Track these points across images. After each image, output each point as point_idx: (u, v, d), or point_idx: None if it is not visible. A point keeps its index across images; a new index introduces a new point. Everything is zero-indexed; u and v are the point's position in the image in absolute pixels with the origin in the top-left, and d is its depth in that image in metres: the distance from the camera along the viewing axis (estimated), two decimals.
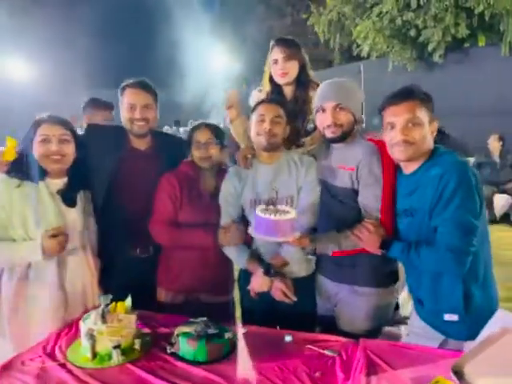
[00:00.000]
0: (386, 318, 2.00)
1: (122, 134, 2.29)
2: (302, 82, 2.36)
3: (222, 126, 2.33)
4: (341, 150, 1.94)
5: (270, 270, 1.99)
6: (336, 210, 1.93)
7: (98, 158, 2.15)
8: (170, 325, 1.91)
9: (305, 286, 2.08)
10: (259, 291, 2.03)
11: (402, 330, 2.49)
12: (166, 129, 9.93)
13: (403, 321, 2.50)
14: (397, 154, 1.69)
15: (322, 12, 11.25)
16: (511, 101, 9.18)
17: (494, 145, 7.02)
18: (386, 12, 9.58)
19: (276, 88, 2.40)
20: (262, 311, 2.07)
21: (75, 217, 2.01)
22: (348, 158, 1.90)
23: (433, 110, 1.69)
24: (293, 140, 2.21)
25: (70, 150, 1.99)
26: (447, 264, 1.58)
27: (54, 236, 1.85)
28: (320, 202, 2.00)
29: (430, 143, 1.69)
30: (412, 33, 9.59)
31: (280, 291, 1.97)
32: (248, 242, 2.13)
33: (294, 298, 1.97)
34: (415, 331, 1.80)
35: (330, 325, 2.02)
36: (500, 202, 6.80)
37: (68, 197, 1.97)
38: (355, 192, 1.88)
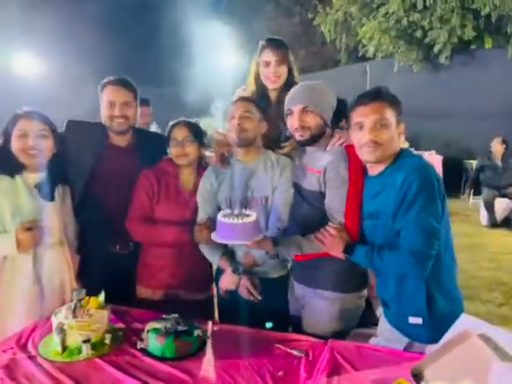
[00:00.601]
0: (352, 322, 2.00)
1: (102, 130, 2.31)
2: (288, 85, 2.33)
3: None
4: (312, 152, 1.95)
5: (238, 269, 2.02)
6: (304, 213, 1.94)
7: (78, 153, 2.18)
8: (145, 320, 1.92)
9: (277, 287, 2.12)
10: (227, 289, 2.07)
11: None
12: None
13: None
14: (365, 154, 1.69)
15: (328, 12, 11.22)
16: None
17: (496, 148, 6.96)
18: (392, 12, 9.54)
19: (261, 89, 2.39)
20: (236, 309, 2.07)
21: (52, 211, 2.03)
22: (317, 161, 1.90)
23: (400, 112, 1.69)
24: (275, 142, 2.21)
25: (48, 145, 2.01)
26: (409, 267, 1.58)
27: (28, 229, 1.88)
28: (294, 206, 2.00)
29: (396, 145, 1.69)
30: (418, 34, 9.54)
31: (246, 289, 2.01)
32: None
33: (259, 297, 2.00)
34: (383, 333, 1.80)
35: (300, 326, 2.03)
36: (501, 206, 6.75)
37: (45, 191, 2.00)
38: (322, 195, 1.88)
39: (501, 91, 8.88)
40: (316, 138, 1.90)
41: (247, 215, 1.78)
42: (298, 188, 1.98)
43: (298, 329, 2.00)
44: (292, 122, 1.91)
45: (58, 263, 2.07)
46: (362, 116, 1.67)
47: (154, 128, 5.56)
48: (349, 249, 1.73)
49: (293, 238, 1.90)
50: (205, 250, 2.15)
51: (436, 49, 9.50)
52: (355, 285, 1.96)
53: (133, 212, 2.22)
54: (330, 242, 1.75)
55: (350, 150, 1.83)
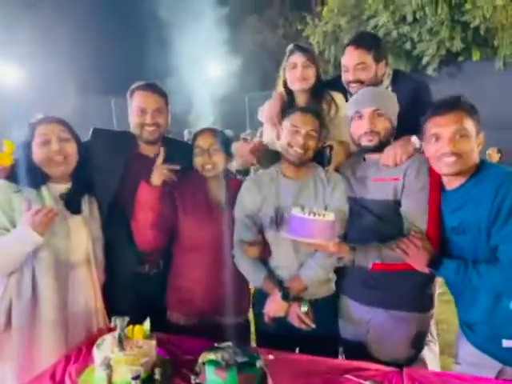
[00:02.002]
0: (423, 345, 1.86)
1: (130, 139, 2.14)
2: (317, 92, 2.24)
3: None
4: (378, 162, 1.81)
5: (288, 295, 1.84)
6: (373, 226, 1.79)
7: (104, 163, 2.00)
8: (189, 349, 1.75)
9: (324, 308, 1.95)
10: (275, 316, 1.89)
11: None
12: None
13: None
14: (444, 167, 1.57)
15: (317, 24, 11.24)
16: (505, 116, 9.26)
17: (493, 156, 7.01)
18: (382, 25, 9.61)
19: (289, 96, 2.28)
20: (278, 333, 1.92)
21: (80, 225, 1.85)
22: (390, 169, 1.77)
23: (479, 121, 1.58)
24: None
25: (72, 149, 1.85)
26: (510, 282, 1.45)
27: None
28: (354, 219, 1.86)
29: (476, 157, 1.58)
30: (407, 46, 9.63)
31: (298, 317, 1.84)
32: (265, 259, 1.99)
33: (313, 325, 1.83)
34: (467, 359, 1.65)
35: (358, 351, 1.87)
36: None
37: (72, 202, 1.81)
38: (397, 203, 1.74)
39: (488, 103, 8.98)
40: (383, 145, 1.78)
41: (325, 213, 1.61)
42: (359, 202, 1.84)
43: (354, 355, 1.82)
44: (360, 126, 1.78)
45: (84, 285, 1.86)
46: (440, 126, 1.55)
47: (186, 135, 5.39)
48: (434, 263, 1.58)
49: (371, 244, 1.74)
50: (247, 269, 1.97)
51: (424, 61, 9.60)
52: (429, 302, 1.83)
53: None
54: (414, 253, 1.61)
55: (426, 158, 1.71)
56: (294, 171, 1.94)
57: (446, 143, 1.53)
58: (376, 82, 2.12)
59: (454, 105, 1.56)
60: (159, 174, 1.94)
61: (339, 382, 1.53)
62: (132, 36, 14.15)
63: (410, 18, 9.15)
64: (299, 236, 1.63)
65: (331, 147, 1.95)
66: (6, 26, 11.58)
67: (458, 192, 1.60)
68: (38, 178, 1.78)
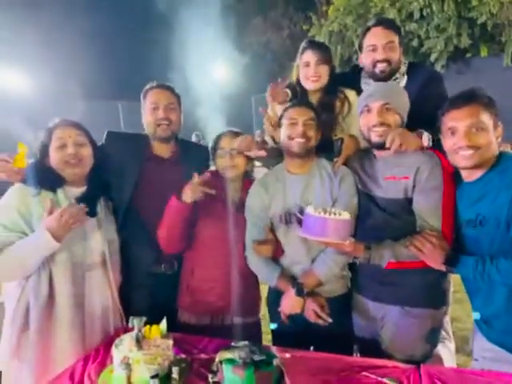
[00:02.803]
0: (437, 342, 1.86)
1: (144, 141, 2.17)
2: (331, 90, 2.24)
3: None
4: (388, 159, 1.80)
5: (302, 291, 1.84)
6: (386, 224, 1.78)
7: (119, 165, 2.03)
8: (205, 348, 1.76)
9: (340, 306, 1.95)
10: (291, 313, 1.89)
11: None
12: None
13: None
14: (460, 160, 1.57)
15: (323, 23, 11.23)
16: None
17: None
18: None
19: (302, 94, 2.28)
20: (293, 332, 1.92)
21: (95, 227, 1.87)
22: (399, 167, 1.76)
23: (497, 114, 1.57)
24: (319, 150, 2.04)
25: (87, 152, 1.88)
26: None
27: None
28: (366, 217, 1.85)
29: (495, 149, 1.57)
30: (414, 43, 9.58)
31: (314, 312, 1.84)
32: (277, 258, 1.99)
33: (329, 320, 1.83)
34: (484, 355, 1.64)
35: (372, 348, 1.86)
36: None
37: (87, 205, 1.82)
38: (409, 201, 1.73)
39: (496, 99, 8.92)
40: None
41: (339, 213, 1.60)
42: (371, 198, 1.83)
43: (369, 352, 1.82)
44: (369, 120, 1.78)
45: (100, 286, 1.88)
46: (456, 120, 1.55)
47: (193, 138, 5.41)
48: (451, 259, 1.58)
49: (385, 242, 1.73)
50: (260, 269, 1.98)
51: (432, 57, 9.54)
52: (442, 299, 1.82)
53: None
54: (430, 251, 1.60)
55: (440, 154, 1.71)
56: (299, 166, 1.94)
57: (462, 137, 1.53)
58: (398, 67, 2.14)
59: (469, 98, 1.55)
60: (193, 192, 1.92)
61: (357, 379, 1.53)
62: (138, 39, 14.24)
63: (416, 15, 9.11)
64: (314, 235, 1.62)
65: (342, 140, 1.95)
66: (13, 29, 11.74)
67: (477, 184, 1.59)
68: (54, 181, 1.80)
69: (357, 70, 2.31)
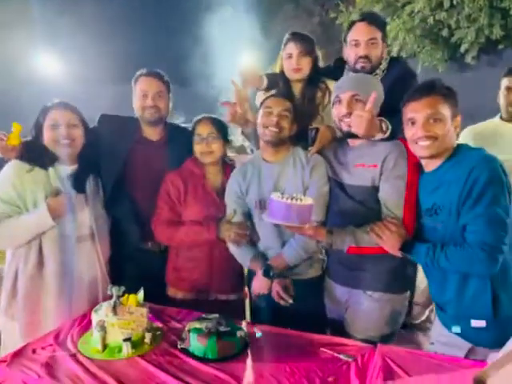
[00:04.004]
0: (398, 324, 1.92)
1: (134, 124, 2.30)
2: (312, 80, 2.30)
3: None
4: (360, 148, 1.86)
5: (269, 272, 1.94)
6: (348, 209, 1.85)
7: (110, 146, 2.16)
8: (182, 319, 1.89)
9: (311, 288, 2.04)
10: (259, 292, 2.01)
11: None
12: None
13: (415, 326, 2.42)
14: (419, 150, 1.62)
15: (351, 11, 11.05)
16: None
17: None
18: (418, 11, 9.30)
19: (285, 84, 2.34)
20: (270, 310, 2.02)
21: (83, 203, 2.02)
22: (369, 156, 1.82)
23: (457, 104, 1.61)
24: (297, 138, 2.11)
25: (79, 134, 2.02)
26: (479, 263, 1.49)
27: (56, 195, 1.89)
28: (335, 204, 1.92)
29: (453, 139, 1.61)
30: (444, 33, 9.29)
31: (277, 293, 1.94)
32: (253, 242, 2.10)
33: (290, 301, 1.93)
34: (440, 340, 1.70)
35: (341, 329, 1.95)
36: None
37: (77, 182, 1.98)
38: (376, 189, 1.80)
39: None
40: None
41: (303, 198, 1.68)
42: (340, 186, 1.90)
43: (339, 333, 1.91)
44: (340, 110, 1.83)
45: (88, 257, 2.04)
46: (415, 111, 1.60)
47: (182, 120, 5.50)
48: (407, 246, 1.64)
49: (347, 228, 1.81)
50: (235, 251, 2.10)
51: (462, 48, 9.24)
52: (404, 285, 1.89)
53: (158, 216, 2.17)
54: (388, 238, 1.66)
55: (405, 144, 1.76)
56: (273, 154, 2.02)
57: (420, 127, 1.58)
58: (379, 63, 2.17)
59: (428, 90, 1.59)
60: (227, 233, 2.06)
61: (314, 354, 1.63)
62: (165, 25, 14.42)
63: (446, 5, 8.81)
64: (277, 219, 1.71)
65: (317, 129, 2.01)
66: (49, 20, 12.13)
67: (435, 174, 1.64)
68: (47, 158, 1.95)
69: (340, 63, 2.35)
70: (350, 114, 1.78)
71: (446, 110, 1.57)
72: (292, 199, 1.65)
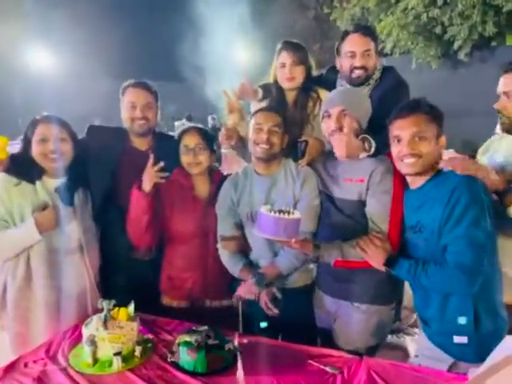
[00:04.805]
0: (385, 334, 1.97)
1: (123, 134, 2.31)
2: (305, 89, 2.33)
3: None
4: (348, 162, 1.88)
5: (262, 281, 1.95)
6: (337, 223, 1.88)
7: (99, 157, 2.17)
8: (173, 330, 1.92)
9: (301, 297, 2.07)
10: (244, 297, 2.01)
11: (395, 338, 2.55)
12: (177, 125, 9.85)
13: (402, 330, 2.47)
14: (404, 167, 1.65)
15: (345, 7, 11.03)
16: None
17: None
18: (412, 8, 9.30)
19: (279, 93, 2.37)
20: (262, 319, 2.04)
21: (72, 216, 2.03)
22: (357, 170, 1.85)
23: (442, 124, 1.64)
24: (289, 148, 2.12)
25: (67, 148, 2.02)
26: (458, 284, 1.53)
27: (44, 209, 1.91)
28: (325, 216, 1.95)
29: (437, 158, 1.64)
30: (438, 30, 9.31)
31: (265, 304, 1.96)
32: (246, 251, 2.12)
33: (275, 311, 1.94)
34: (424, 353, 1.74)
35: (331, 339, 1.99)
36: None
37: (65, 196, 1.99)
38: (363, 204, 1.83)
39: None
40: None
41: (291, 212, 1.71)
42: (330, 199, 1.92)
43: (328, 343, 1.95)
44: (329, 125, 1.85)
45: (77, 269, 2.05)
46: (400, 129, 1.63)
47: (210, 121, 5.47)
48: (391, 262, 1.67)
49: (334, 242, 1.84)
50: (226, 260, 2.11)
51: (456, 45, 9.27)
52: (391, 296, 1.92)
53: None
54: (373, 252, 1.70)
55: (392, 159, 1.78)
56: (265, 167, 2.04)
57: (406, 145, 1.61)
58: (373, 73, 2.21)
59: (414, 108, 1.62)
60: (150, 178, 2.05)
61: (302, 366, 1.66)
62: (161, 19, 14.32)
63: (440, 2, 8.82)
64: (265, 233, 1.73)
65: (306, 142, 2.03)
66: (42, 14, 12.01)
67: (420, 191, 1.67)
68: (34, 172, 1.96)
69: (333, 72, 2.37)
70: (338, 129, 1.81)
71: (430, 129, 1.60)
72: (280, 213, 1.67)
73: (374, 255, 1.70)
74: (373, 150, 1.81)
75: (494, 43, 9.26)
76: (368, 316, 1.86)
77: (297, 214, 1.71)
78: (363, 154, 1.83)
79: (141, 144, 2.31)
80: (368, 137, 1.82)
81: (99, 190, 2.16)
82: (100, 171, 2.17)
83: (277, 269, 1.98)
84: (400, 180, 1.77)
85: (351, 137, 1.79)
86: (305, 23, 17.31)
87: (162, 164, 2.06)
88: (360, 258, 1.75)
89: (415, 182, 1.69)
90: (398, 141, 1.64)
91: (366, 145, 1.81)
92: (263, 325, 1.83)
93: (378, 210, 1.79)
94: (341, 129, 1.82)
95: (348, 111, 1.83)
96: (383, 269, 1.70)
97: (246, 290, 1.99)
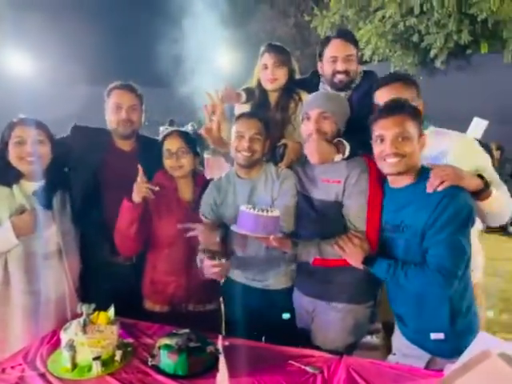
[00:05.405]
0: (362, 333, 2.00)
1: (108, 136, 2.31)
2: (288, 90, 2.38)
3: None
4: (325, 164, 1.91)
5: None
6: (320, 225, 1.91)
7: (82, 158, 2.16)
8: (154, 334, 1.91)
9: (283, 299, 2.08)
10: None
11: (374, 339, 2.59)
12: (162, 130, 9.82)
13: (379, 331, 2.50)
14: (386, 167, 1.68)
15: (325, 14, 11.19)
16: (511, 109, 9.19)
17: (492, 154, 6.98)
18: (389, 17, 9.52)
19: (262, 94, 2.42)
20: (244, 322, 2.05)
21: (50, 219, 2.01)
22: (334, 172, 1.88)
23: (421, 123, 1.69)
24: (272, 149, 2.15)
25: (45, 151, 2.00)
26: (435, 286, 1.57)
27: (21, 213, 1.89)
28: (303, 217, 1.98)
29: (418, 157, 1.69)
30: (415, 38, 9.55)
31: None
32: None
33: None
34: (401, 350, 1.78)
35: (309, 339, 2.01)
36: None
37: (44, 198, 1.96)
38: (340, 204, 1.86)
39: (496, 97, 8.94)
40: None
41: (271, 210, 1.74)
42: (308, 200, 1.95)
43: (309, 343, 1.97)
44: (308, 127, 1.89)
45: (55, 273, 2.03)
46: (384, 129, 1.65)
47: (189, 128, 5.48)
48: (369, 260, 1.70)
49: (313, 240, 1.87)
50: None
51: (432, 53, 9.52)
52: (367, 295, 1.95)
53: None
54: (351, 251, 1.73)
55: (368, 160, 1.83)
56: (246, 172, 2.06)
57: (389, 145, 1.64)
58: (355, 77, 2.27)
59: (397, 108, 1.66)
60: (139, 191, 2.05)
61: (283, 367, 1.67)
62: (140, 25, 14.26)
63: (417, 10, 9.03)
64: (245, 230, 1.76)
65: (285, 145, 2.06)
66: (17, 16, 11.82)
67: (403, 192, 1.70)
68: (11, 175, 1.94)
69: (316, 76, 2.41)
70: (317, 131, 1.85)
71: (413, 129, 1.64)
72: (260, 210, 1.71)
73: (352, 254, 1.73)
74: (347, 153, 1.84)
75: (469, 51, 9.51)
76: (344, 315, 1.89)
77: (276, 212, 1.74)
78: (338, 158, 1.86)
79: (125, 145, 2.32)
80: (342, 140, 1.86)
81: (80, 191, 2.14)
82: (82, 171, 2.16)
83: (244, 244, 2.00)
84: (376, 180, 1.81)
85: (323, 143, 1.84)
86: (285, 30, 17.49)
87: (156, 188, 2.07)
88: (338, 256, 1.79)
89: (398, 182, 1.71)
90: (382, 140, 1.66)
91: (341, 148, 1.85)
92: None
93: (354, 211, 1.83)
94: (319, 131, 1.85)
95: (327, 114, 1.87)
96: (361, 267, 1.73)
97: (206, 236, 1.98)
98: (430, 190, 1.59)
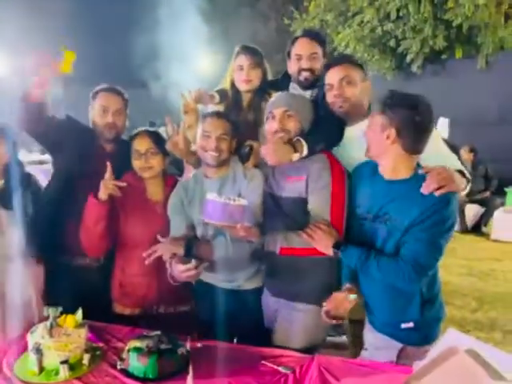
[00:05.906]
0: (325, 333, 2.01)
1: (92, 132, 2.28)
2: (261, 92, 2.39)
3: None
4: (293, 161, 1.90)
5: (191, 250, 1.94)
6: (285, 222, 1.90)
7: (66, 147, 2.15)
8: (124, 337, 1.87)
9: (253, 299, 2.08)
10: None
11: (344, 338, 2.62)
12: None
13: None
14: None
15: (304, 18, 11.29)
16: (485, 113, 9.42)
17: (465, 156, 7.12)
18: (367, 22, 9.69)
19: (235, 94, 2.43)
20: (216, 323, 2.03)
21: (11, 221, 1.96)
22: (297, 169, 1.88)
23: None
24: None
25: (2, 151, 1.97)
26: (405, 279, 1.59)
27: None
28: (270, 215, 1.97)
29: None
30: (392, 43, 9.73)
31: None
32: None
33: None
34: (373, 344, 1.79)
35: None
36: (471, 212, 6.92)
37: (4, 199, 1.92)
38: (304, 201, 1.87)
39: (470, 101, 9.18)
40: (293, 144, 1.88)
41: (238, 199, 1.75)
42: (272, 198, 1.95)
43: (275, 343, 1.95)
44: (272, 125, 1.90)
45: (20, 277, 1.98)
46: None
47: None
48: (339, 245, 1.72)
49: (280, 230, 1.88)
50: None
51: (408, 58, 9.71)
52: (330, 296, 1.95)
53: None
54: (320, 237, 1.74)
55: (330, 157, 1.87)
56: (214, 172, 2.04)
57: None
58: (320, 76, 2.27)
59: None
60: (106, 188, 2.01)
61: (256, 367, 1.67)
62: (120, 25, 14.12)
63: (393, 16, 9.22)
64: (212, 219, 1.77)
65: (251, 147, 2.06)
66: None
67: (395, 185, 1.68)
68: None
69: (287, 77, 2.43)
70: (281, 129, 1.87)
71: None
72: (226, 199, 1.72)
73: (321, 240, 1.74)
74: (305, 152, 1.85)
75: (444, 56, 9.72)
76: (305, 315, 1.89)
77: (243, 201, 1.76)
78: (295, 157, 1.86)
79: (106, 145, 2.30)
80: (300, 139, 1.87)
81: (54, 182, 2.12)
82: (61, 160, 2.16)
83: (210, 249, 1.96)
84: (339, 175, 1.83)
85: (279, 144, 1.85)
86: (266, 34, 17.56)
87: (123, 184, 2.04)
88: (304, 244, 1.80)
89: (394, 173, 1.69)
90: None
91: (298, 148, 1.86)
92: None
93: (318, 206, 1.84)
94: (283, 130, 1.86)
95: (291, 112, 1.88)
96: (331, 252, 1.74)
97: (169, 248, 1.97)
98: (425, 192, 1.60)
